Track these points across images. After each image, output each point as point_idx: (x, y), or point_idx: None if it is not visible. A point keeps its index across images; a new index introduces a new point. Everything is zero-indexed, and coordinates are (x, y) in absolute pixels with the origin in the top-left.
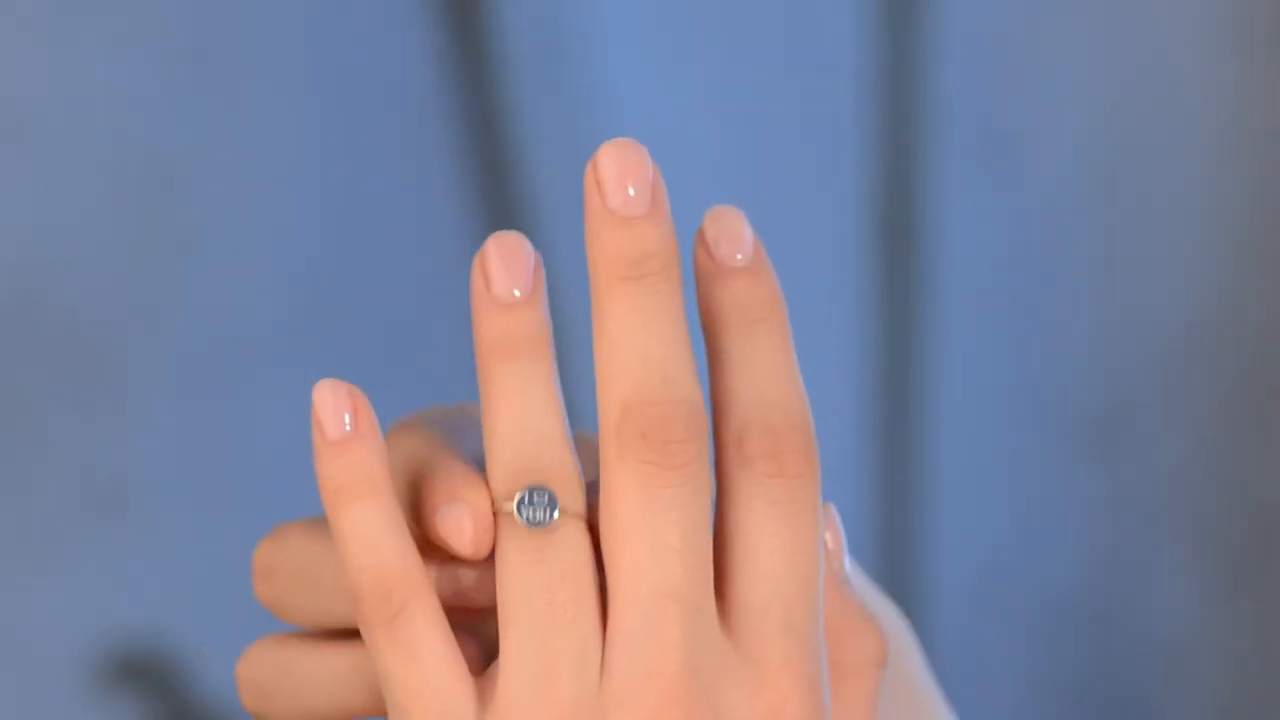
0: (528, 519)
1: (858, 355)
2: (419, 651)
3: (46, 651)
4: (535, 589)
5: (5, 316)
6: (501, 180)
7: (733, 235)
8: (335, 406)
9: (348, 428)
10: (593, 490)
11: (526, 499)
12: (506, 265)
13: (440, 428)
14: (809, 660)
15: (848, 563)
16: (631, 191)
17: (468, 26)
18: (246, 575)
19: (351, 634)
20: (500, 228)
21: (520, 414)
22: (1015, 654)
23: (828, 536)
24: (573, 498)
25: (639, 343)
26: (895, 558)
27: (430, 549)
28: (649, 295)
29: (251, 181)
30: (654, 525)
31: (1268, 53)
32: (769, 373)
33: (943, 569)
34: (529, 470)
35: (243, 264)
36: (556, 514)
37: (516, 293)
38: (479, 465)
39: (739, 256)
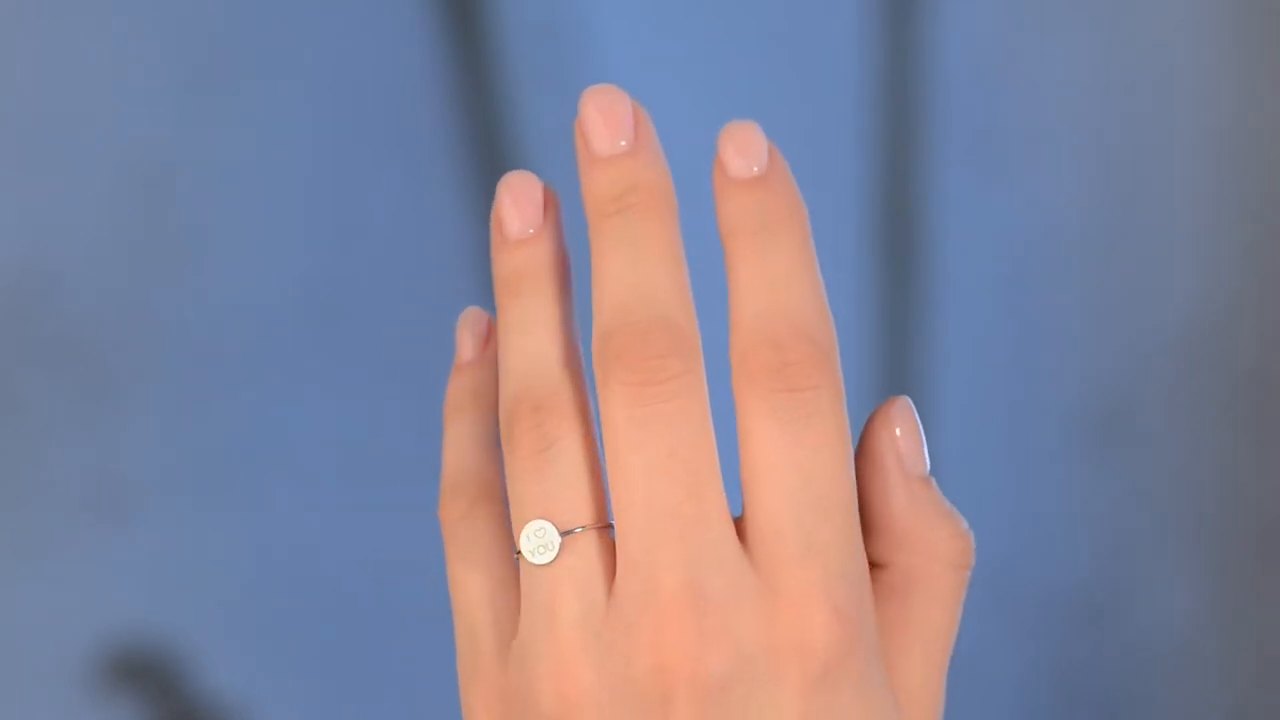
0: (528, 552)
1: (857, 355)
2: (477, 555)
3: (46, 651)
4: (533, 508)
5: (5, 316)
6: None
7: (745, 149)
8: (471, 331)
9: (472, 353)
10: None
11: (532, 532)
12: (516, 206)
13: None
14: (836, 585)
15: (926, 461)
16: (610, 132)
17: (468, 27)
18: (246, 575)
19: None
20: None
21: (520, 342)
22: (1016, 652)
23: (898, 433)
24: (568, 422)
25: (620, 271)
26: None
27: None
28: (630, 225)
29: (252, 182)
30: (640, 444)
31: (1268, 53)
32: (778, 283)
33: None
34: (526, 395)
35: (242, 264)
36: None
37: (530, 231)
38: None
39: (755, 169)
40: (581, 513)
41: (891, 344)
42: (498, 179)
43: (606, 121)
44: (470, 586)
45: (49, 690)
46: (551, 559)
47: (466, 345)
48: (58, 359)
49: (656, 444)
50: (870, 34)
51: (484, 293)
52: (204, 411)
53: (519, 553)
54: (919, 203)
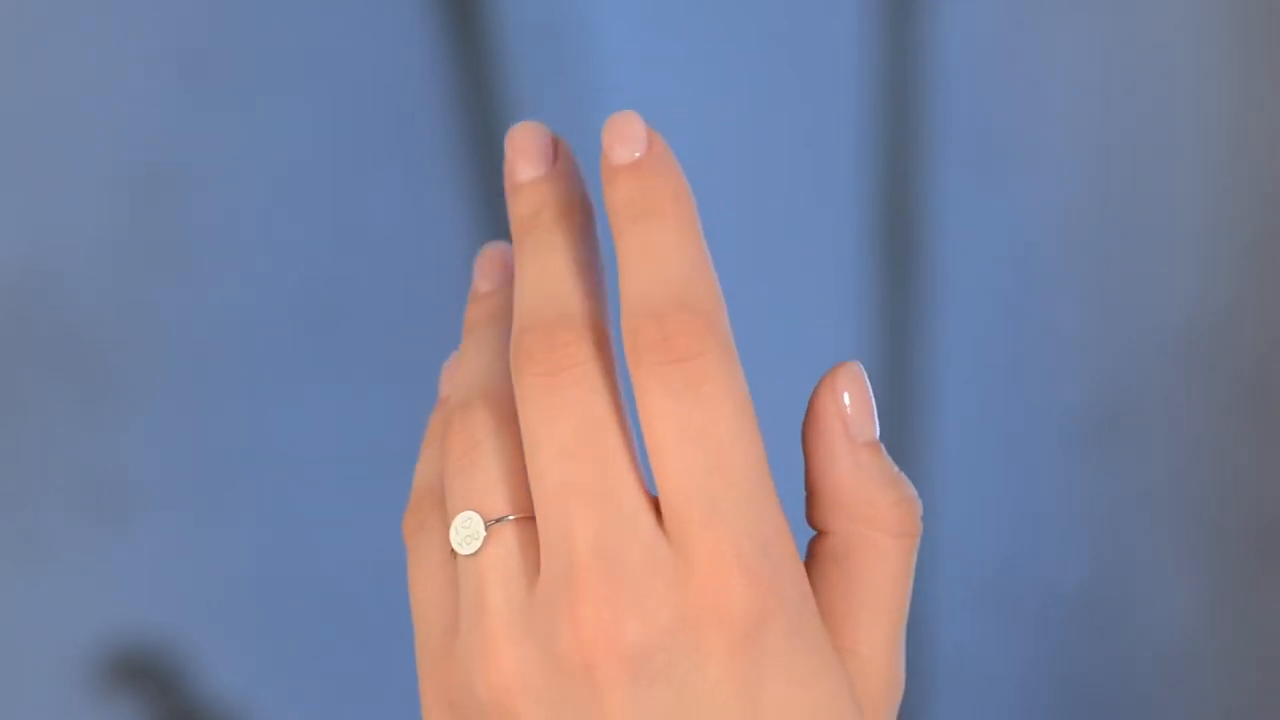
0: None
1: (856, 355)
2: (431, 558)
3: (46, 651)
4: (460, 502)
5: (5, 316)
6: (501, 180)
7: (624, 137)
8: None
9: (444, 390)
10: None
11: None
12: (523, 152)
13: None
14: (747, 548)
15: (874, 427)
16: (521, 163)
17: (468, 27)
18: (247, 575)
19: None
20: (501, 227)
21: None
22: (1017, 653)
23: (845, 397)
24: (492, 421)
25: (526, 284)
26: None
27: None
28: (538, 241)
29: (252, 182)
30: (549, 432)
31: (1268, 53)
32: (657, 260)
33: (945, 569)
34: (460, 399)
35: (242, 264)
36: (481, 537)
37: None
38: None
39: (635, 154)
40: (502, 503)
41: (891, 344)
42: (498, 179)
43: (520, 155)
44: (420, 591)
45: (49, 690)
46: (477, 549)
47: (442, 379)
48: (58, 359)
49: (561, 425)
50: (870, 34)
51: None
52: (204, 412)
53: (451, 552)
54: (919, 203)
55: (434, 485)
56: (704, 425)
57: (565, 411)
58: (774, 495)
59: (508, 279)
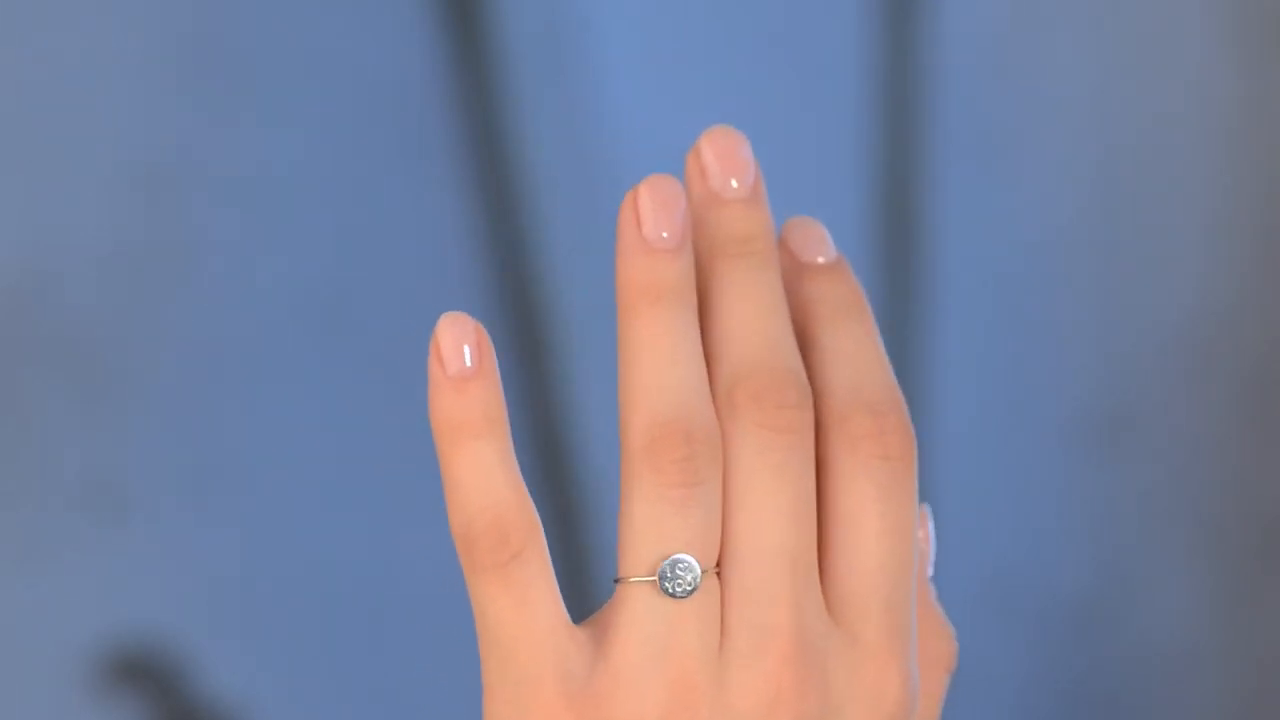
0: (669, 590)
1: None
2: (532, 595)
3: (46, 651)
4: (678, 543)
5: (5, 316)
6: (502, 180)
7: (816, 240)
8: (456, 340)
9: (468, 363)
10: None
11: (668, 571)
12: (661, 209)
13: None
14: (905, 643)
15: (930, 566)
16: (733, 180)
17: (468, 27)
18: (246, 575)
19: None
20: (501, 228)
21: (670, 364)
22: (1017, 656)
23: (920, 535)
24: (716, 465)
25: (748, 315)
26: None
27: None
28: (756, 271)
29: (252, 182)
30: (768, 486)
31: (1268, 52)
32: (864, 360)
33: (944, 571)
34: (680, 421)
35: (243, 264)
36: (696, 580)
37: (665, 235)
38: None
39: (820, 259)
40: (713, 553)
41: (891, 344)
42: (498, 179)
43: (731, 163)
44: (533, 629)
45: (49, 690)
46: (688, 594)
47: (457, 355)
48: (58, 359)
49: (785, 490)
50: (870, 34)
51: (485, 293)
52: (204, 412)
53: (627, 580)
54: (919, 203)
55: (521, 507)
56: (894, 523)
57: (788, 474)
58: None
59: (690, 237)
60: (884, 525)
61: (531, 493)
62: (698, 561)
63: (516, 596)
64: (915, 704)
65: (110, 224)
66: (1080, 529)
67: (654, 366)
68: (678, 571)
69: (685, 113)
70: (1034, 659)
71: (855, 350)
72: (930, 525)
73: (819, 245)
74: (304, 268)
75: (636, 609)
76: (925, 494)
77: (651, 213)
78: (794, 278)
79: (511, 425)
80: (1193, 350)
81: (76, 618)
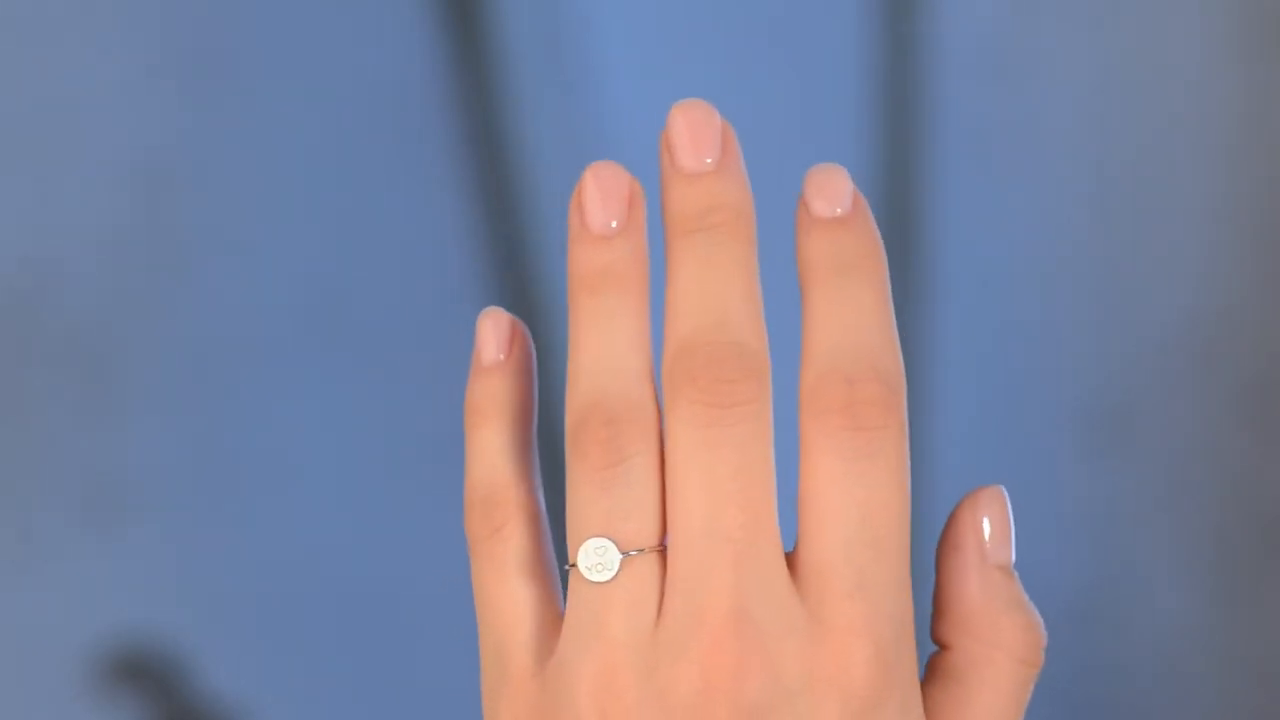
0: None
1: None
2: (510, 572)
3: (46, 651)
4: (596, 525)
5: (5, 316)
6: (501, 180)
7: (829, 191)
8: (495, 336)
9: (500, 357)
10: None
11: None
12: (603, 196)
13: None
14: (882, 625)
15: (1010, 553)
16: (697, 148)
17: (468, 27)
18: (247, 575)
19: None
20: (501, 227)
21: (598, 347)
22: None
23: (985, 519)
24: (643, 441)
25: (697, 289)
26: None
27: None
28: (711, 245)
29: (252, 182)
30: (706, 466)
31: (1267, 52)
32: (853, 321)
33: None
34: (601, 403)
35: (243, 264)
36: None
37: (613, 224)
38: None
39: (838, 210)
40: (645, 535)
41: None
42: (498, 179)
43: (694, 137)
44: (504, 603)
45: (49, 690)
46: (609, 578)
47: (490, 346)
48: (58, 359)
49: (721, 467)
50: (870, 33)
51: (484, 293)
52: (204, 412)
53: (570, 566)
54: (918, 202)
55: (509, 483)
56: (868, 497)
57: (726, 450)
58: (909, 583)
59: (640, 224)
60: (849, 500)
61: None
62: (618, 543)
63: (497, 571)
64: (902, 691)
65: (111, 224)
66: (1080, 529)
67: (586, 354)
68: (593, 554)
69: None
70: None
71: (842, 310)
72: (1004, 506)
73: (831, 196)
74: (304, 268)
75: (571, 596)
76: (925, 494)
77: (591, 201)
78: (801, 233)
79: None
80: (1193, 350)
81: (76, 618)
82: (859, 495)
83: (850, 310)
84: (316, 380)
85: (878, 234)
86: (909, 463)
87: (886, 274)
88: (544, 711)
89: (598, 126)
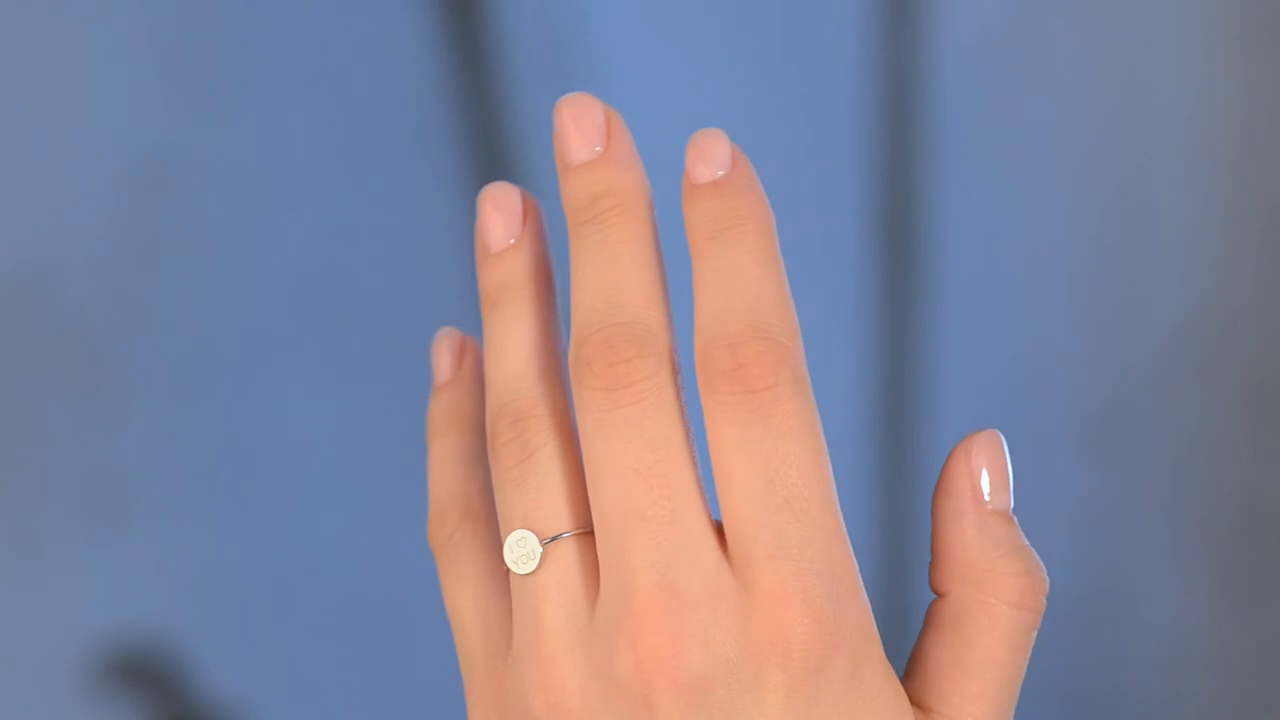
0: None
1: (857, 355)
2: (466, 576)
3: (46, 651)
4: (516, 519)
5: (5, 316)
6: (501, 180)
7: (708, 155)
8: (448, 354)
9: (448, 374)
10: None
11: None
12: (495, 216)
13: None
14: (812, 584)
15: (1008, 498)
16: (582, 139)
17: (468, 27)
18: (246, 575)
19: None
20: None
21: (500, 357)
22: None
23: (979, 463)
24: (545, 432)
25: (589, 278)
26: (895, 558)
27: None
28: (601, 232)
29: (251, 181)
30: (609, 448)
31: (1270, 52)
32: (734, 283)
33: None
34: (507, 408)
35: (242, 264)
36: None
37: (510, 241)
38: None
39: (718, 173)
40: (561, 519)
41: (892, 344)
42: (498, 179)
43: (579, 129)
44: (462, 606)
45: (49, 690)
46: (534, 568)
47: (443, 365)
48: (58, 358)
49: (625, 447)
50: (870, 34)
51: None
52: (204, 411)
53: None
54: (919, 202)
55: (457, 491)
56: (771, 458)
57: (628, 430)
58: (843, 533)
59: (534, 234)
60: (752, 465)
61: None
62: (535, 533)
63: (455, 577)
64: (850, 647)
65: (110, 223)
66: (1079, 527)
67: (490, 365)
68: (516, 547)
69: (685, 113)
70: (1033, 658)
71: (718, 279)
72: (1001, 451)
73: (709, 159)
74: (304, 267)
75: (513, 593)
76: (925, 494)
77: (485, 220)
78: (684, 203)
79: None
80: (1193, 349)
81: (76, 618)
82: (760, 458)
83: (729, 274)
84: (316, 380)
85: (757, 191)
86: (814, 413)
87: (767, 230)
88: (503, 707)
89: None
